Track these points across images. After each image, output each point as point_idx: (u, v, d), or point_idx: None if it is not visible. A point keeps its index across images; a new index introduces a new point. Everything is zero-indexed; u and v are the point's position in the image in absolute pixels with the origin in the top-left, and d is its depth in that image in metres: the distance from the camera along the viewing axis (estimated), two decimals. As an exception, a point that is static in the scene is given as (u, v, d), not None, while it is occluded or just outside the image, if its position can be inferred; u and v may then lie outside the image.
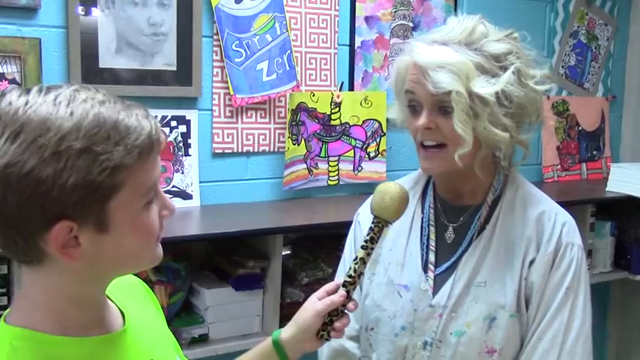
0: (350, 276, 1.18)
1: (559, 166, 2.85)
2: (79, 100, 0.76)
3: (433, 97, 1.21)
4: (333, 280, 2.02)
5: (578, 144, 2.90)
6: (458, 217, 1.31)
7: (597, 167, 2.96)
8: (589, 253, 2.58)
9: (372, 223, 1.19)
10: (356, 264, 1.18)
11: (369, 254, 1.19)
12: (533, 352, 1.23)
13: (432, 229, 1.33)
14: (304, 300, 1.97)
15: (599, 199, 2.60)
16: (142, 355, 0.90)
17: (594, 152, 2.95)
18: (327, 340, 1.19)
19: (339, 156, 2.29)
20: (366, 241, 1.19)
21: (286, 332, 1.18)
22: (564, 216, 1.30)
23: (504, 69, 1.21)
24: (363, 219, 1.40)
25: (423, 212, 1.35)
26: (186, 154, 2.03)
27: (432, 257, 1.31)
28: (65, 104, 0.75)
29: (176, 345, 1.01)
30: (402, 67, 1.27)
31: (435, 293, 1.28)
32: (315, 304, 1.17)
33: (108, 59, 1.89)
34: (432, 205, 1.35)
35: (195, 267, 1.98)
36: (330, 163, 2.28)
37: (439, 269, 1.30)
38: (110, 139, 0.75)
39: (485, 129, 1.20)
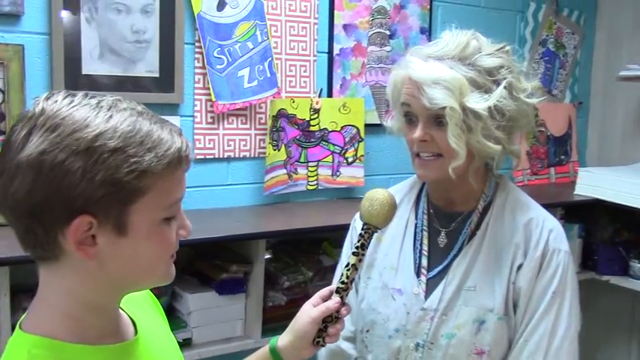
0: (342, 282, 1.21)
1: (529, 170, 2.94)
2: (119, 108, 0.81)
3: (428, 111, 1.25)
4: (313, 283, 2.09)
5: (547, 149, 3.00)
6: (450, 222, 1.36)
7: (565, 171, 3.06)
8: (558, 255, 2.67)
9: (362, 229, 1.23)
10: (348, 270, 1.21)
11: (360, 260, 1.22)
12: (520, 354, 1.27)
13: (425, 234, 1.37)
14: (286, 303, 2.04)
15: (568, 202, 2.69)
16: None
17: (562, 157, 3.05)
18: (323, 346, 1.22)
19: (318, 161, 2.33)
20: (357, 248, 1.22)
21: (283, 340, 1.21)
22: (552, 222, 1.34)
23: (497, 83, 1.25)
24: (358, 224, 1.43)
25: (416, 218, 1.40)
26: (169, 160, 2.05)
27: (424, 262, 1.35)
28: (106, 109, 0.80)
29: (180, 353, 1.04)
30: (398, 80, 1.31)
31: (427, 297, 1.33)
32: (311, 311, 1.20)
33: (91, 65, 1.90)
34: (425, 211, 1.39)
35: (177, 272, 2.00)
36: (310, 168, 2.32)
37: (431, 273, 1.35)
38: (143, 145, 0.79)
39: (478, 142, 1.24)
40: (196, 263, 2.05)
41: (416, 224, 1.39)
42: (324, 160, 2.34)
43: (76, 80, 1.87)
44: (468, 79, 1.23)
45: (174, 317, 1.94)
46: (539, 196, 2.75)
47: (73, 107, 0.78)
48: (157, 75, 2.01)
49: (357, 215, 1.46)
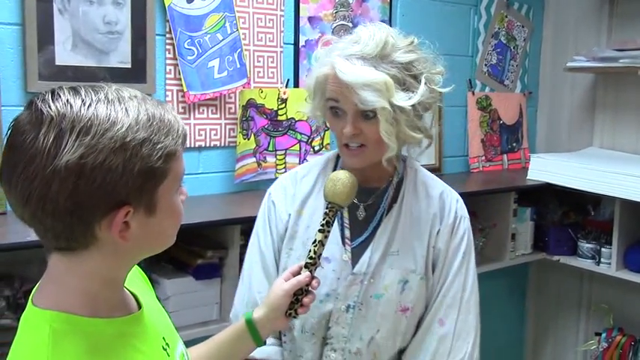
0: (311, 257, 1.32)
1: (483, 157, 3.08)
2: (125, 99, 0.85)
3: (356, 107, 1.35)
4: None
5: (499, 136, 3.14)
6: (367, 197, 1.48)
7: (517, 158, 3.21)
8: (512, 237, 2.82)
9: (327, 208, 1.34)
10: (315, 246, 1.32)
11: (326, 237, 1.33)
12: (440, 307, 1.45)
13: (346, 208, 1.47)
14: (259, 287, 2.11)
15: (521, 186, 2.84)
16: (157, 334, 0.98)
17: (514, 144, 3.20)
18: (295, 317, 1.32)
19: (286, 150, 2.40)
20: (322, 225, 1.33)
21: (258, 312, 1.30)
22: (456, 194, 1.54)
23: (414, 77, 1.37)
24: (276, 198, 1.55)
25: None
26: (143, 150, 2.08)
27: (347, 233, 1.48)
28: (117, 103, 0.84)
29: (170, 320, 1.09)
30: (320, 77, 1.39)
31: (353, 264, 1.45)
32: (283, 284, 1.30)
33: (64, 56, 1.91)
34: None
35: (153, 259, 2.04)
36: (278, 156, 2.38)
37: (354, 243, 1.47)
38: (160, 131, 0.85)
39: (405, 133, 1.37)
40: (171, 250, 2.08)
41: None
42: (292, 148, 2.41)
43: (50, 71, 1.88)
44: (392, 77, 1.33)
45: (151, 303, 1.99)
46: (494, 181, 2.91)
47: (90, 106, 0.82)
48: (129, 66, 2.03)
49: (272, 189, 1.58)
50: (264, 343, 1.33)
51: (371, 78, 1.31)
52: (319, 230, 1.33)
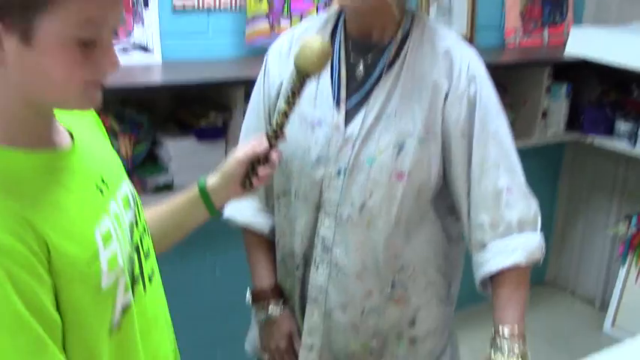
0: (273, 129, 1.23)
1: (521, 31, 2.88)
2: None
3: None
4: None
5: (541, 8, 2.92)
6: (367, 54, 1.35)
7: (559, 32, 2.99)
8: (543, 114, 2.69)
9: (293, 75, 1.21)
10: (278, 116, 1.22)
11: (291, 108, 1.21)
12: (499, 175, 1.34)
13: (343, 66, 1.37)
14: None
15: (557, 61, 2.67)
16: (92, 172, 0.93)
17: (557, 16, 2.97)
18: (250, 188, 1.24)
19: (302, 13, 2.30)
20: (287, 95, 1.22)
21: (212, 180, 1.24)
22: (468, 50, 1.37)
23: None
24: (271, 62, 1.45)
25: (333, 52, 1.37)
26: (146, 6, 2.02)
27: (343, 93, 1.36)
28: None
29: (123, 168, 1.05)
30: None
31: (347, 126, 1.35)
32: (238, 152, 1.23)
33: None
34: (342, 44, 1.38)
35: (158, 120, 2.04)
36: (293, 20, 2.29)
37: (350, 103, 1.37)
38: None
39: None
40: (177, 112, 2.08)
41: (332, 58, 1.37)
42: (308, 12, 2.31)
43: None
44: None
45: (155, 163, 2.01)
46: (528, 54, 2.74)
47: None
48: None
49: (270, 50, 1.47)
50: (219, 214, 1.28)
51: None
52: (285, 101, 1.22)
